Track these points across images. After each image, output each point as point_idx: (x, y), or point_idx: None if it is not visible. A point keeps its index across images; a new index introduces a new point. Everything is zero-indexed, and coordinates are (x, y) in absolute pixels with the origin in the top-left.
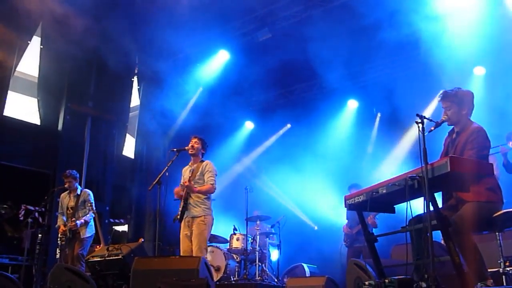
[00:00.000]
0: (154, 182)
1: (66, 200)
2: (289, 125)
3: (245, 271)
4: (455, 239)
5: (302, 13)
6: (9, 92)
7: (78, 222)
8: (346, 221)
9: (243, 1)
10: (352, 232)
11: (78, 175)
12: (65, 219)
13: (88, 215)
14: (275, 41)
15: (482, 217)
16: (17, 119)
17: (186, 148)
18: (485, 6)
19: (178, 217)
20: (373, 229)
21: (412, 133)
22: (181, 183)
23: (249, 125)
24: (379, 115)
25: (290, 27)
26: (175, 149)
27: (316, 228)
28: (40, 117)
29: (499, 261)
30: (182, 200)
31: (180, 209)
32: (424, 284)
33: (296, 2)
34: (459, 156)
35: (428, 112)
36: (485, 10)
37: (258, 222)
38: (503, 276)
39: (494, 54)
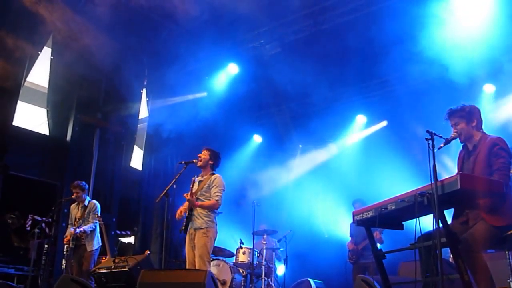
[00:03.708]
0: (161, 194)
1: (74, 211)
2: (300, 146)
3: (251, 285)
4: (465, 257)
5: (311, 27)
6: (18, 102)
7: (77, 230)
8: (350, 238)
9: (252, 15)
10: (358, 249)
11: (86, 186)
12: (72, 230)
13: (89, 225)
14: (284, 55)
15: (493, 237)
16: (26, 129)
17: (194, 161)
18: (495, 24)
19: (183, 228)
20: (379, 245)
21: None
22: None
23: (257, 139)
24: (384, 123)
25: (300, 42)
26: (183, 162)
27: (326, 236)
28: (49, 128)
29: (508, 280)
30: (187, 211)
31: (185, 220)
32: None
33: (307, 16)
34: (481, 169)
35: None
36: (495, 27)
37: (265, 236)
38: None
39: (504, 72)
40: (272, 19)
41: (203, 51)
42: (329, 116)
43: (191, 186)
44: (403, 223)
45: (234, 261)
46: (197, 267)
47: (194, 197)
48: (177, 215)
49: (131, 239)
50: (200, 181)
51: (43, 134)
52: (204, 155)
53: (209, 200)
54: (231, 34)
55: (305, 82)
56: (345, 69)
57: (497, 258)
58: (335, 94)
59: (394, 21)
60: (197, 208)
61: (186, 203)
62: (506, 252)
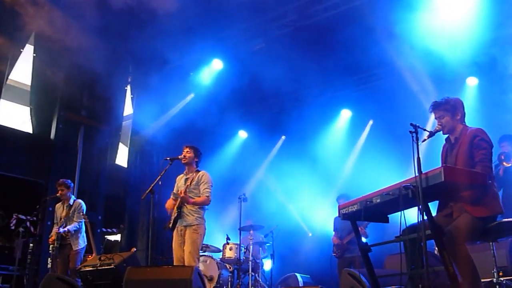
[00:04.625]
0: (147, 191)
1: (59, 210)
2: (283, 137)
3: (238, 281)
4: (449, 249)
5: (296, 22)
6: (1, 100)
7: (61, 229)
8: (334, 232)
9: (236, 10)
10: (342, 243)
11: (72, 184)
12: (57, 229)
13: (73, 225)
14: (268, 50)
15: (477, 228)
16: (9, 128)
17: (179, 157)
18: (482, 17)
19: (170, 225)
20: (364, 239)
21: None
22: (174, 192)
23: (242, 134)
24: (370, 122)
25: (284, 37)
26: (168, 158)
27: (310, 234)
28: (32, 126)
29: (493, 271)
30: (175, 209)
31: (173, 217)
32: None
33: (290, 10)
34: (464, 161)
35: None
36: (482, 21)
37: (251, 231)
38: (497, 286)
39: (486, 65)
40: (256, 15)
41: (187, 47)
42: (314, 110)
43: (182, 184)
44: (388, 216)
45: (221, 257)
46: (186, 264)
47: (187, 194)
48: (168, 208)
49: (117, 237)
50: (186, 179)
51: (27, 132)
52: (189, 153)
53: (199, 196)
54: (215, 29)
55: (289, 77)
56: (330, 63)
57: (482, 249)
58: (320, 88)
59: (380, 15)
60: (187, 206)
61: (170, 201)
62: (490, 243)
